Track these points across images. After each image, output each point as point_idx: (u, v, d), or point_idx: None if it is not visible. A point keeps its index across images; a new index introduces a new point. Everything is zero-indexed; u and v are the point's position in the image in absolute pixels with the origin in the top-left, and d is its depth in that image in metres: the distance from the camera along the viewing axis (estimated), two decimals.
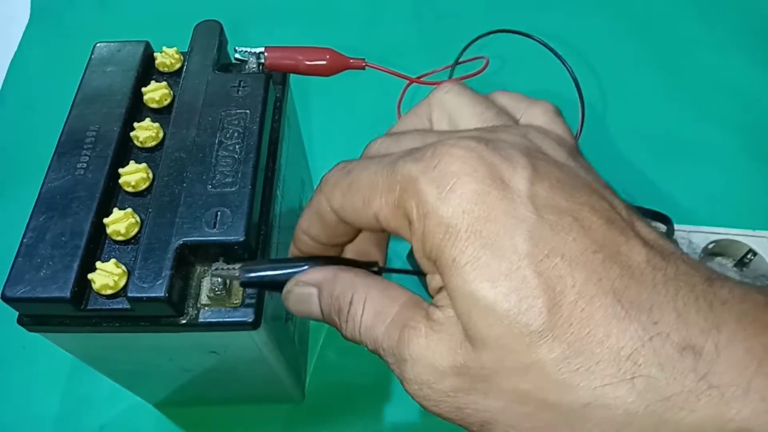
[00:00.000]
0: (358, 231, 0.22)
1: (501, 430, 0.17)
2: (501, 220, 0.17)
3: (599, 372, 0.15)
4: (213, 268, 0.23)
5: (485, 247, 0.16)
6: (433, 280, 0.18)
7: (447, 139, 0.19)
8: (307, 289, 0.21)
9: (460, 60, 0.46)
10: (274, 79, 0.31)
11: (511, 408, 0.16)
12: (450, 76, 0.46)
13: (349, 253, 0.24)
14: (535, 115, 0.22)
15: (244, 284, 0.23)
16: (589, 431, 0.16)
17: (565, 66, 0.42)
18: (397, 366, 0.18)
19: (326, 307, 0.20)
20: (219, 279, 0.24)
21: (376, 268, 0.22)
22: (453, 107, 0.22)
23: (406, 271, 0.25)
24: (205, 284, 0.25)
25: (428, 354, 0.17)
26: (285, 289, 0.22)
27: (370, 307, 0.19)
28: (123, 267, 0.24)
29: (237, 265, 0.23)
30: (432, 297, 0.19)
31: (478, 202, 0.17)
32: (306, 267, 0.21)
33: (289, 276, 0.21)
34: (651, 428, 0.15)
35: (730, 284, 0.16)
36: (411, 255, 0.39)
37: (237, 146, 0.26)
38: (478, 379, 0.17)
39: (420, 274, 0.20)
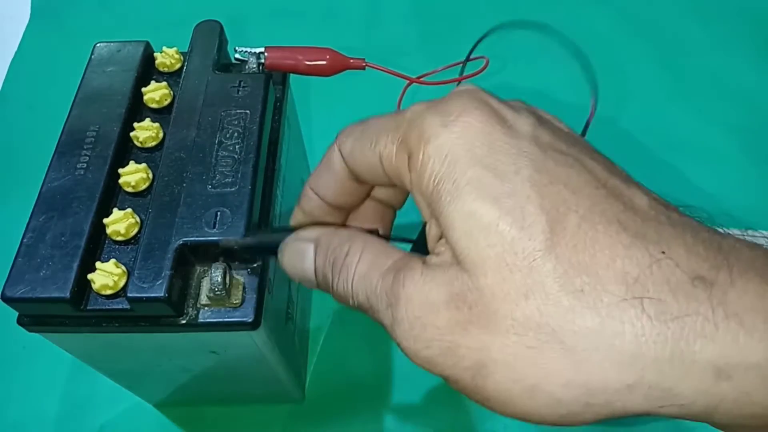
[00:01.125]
0: (364, 192, 0.22)
1: (497, 374, 0.16)
2: (504, 149, 0.16)
3: (605, 293, 0.14)
4: (223, 266, 0.24)
5: (487, 169, 0.16)
6: (432, 228, 0.18)
7: None
8: (304, 244, 0.21)
9: (460, 60, 0.46)
10: (274, 79, 0.31)
11: (510, 342, 0.15)
12: (461, 73, 0.46)
13: (353, 225, 0.24)
14: None
15: (243, 246, 0.23)
16: (597, 365, 0.15)
17: (580, 59, 0.42)
18: (389, 309, 0.17)
19: (321, 261, 0.20)
20: (219, 279, 0.24)
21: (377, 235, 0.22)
22: None
23: (408, 240, 0.24)
24: (205, 284, 0.25)
25: (424, 289, 0.17)
26: (281, 244, 0.21)
27: (366, 257, 0.19)
28: (123, 267, 0.24)
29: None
30: (430, 250, 0.18)
31: (482, 133, 0.17)
32: None
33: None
34: (665, 361, 0.14)
35: (735, 237, 0.16)
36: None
37: (237, 146, 0.26)
38: (475, 308, 0.16)
39: (421, 244, 0.20)
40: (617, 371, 0.14)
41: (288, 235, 0.22)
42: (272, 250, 0.22)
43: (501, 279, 0.15)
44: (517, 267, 0.15)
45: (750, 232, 0.42)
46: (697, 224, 0.16)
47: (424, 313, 0.16)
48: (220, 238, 0.23)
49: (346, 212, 0.23)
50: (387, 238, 0.24)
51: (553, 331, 0.15)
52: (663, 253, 0.15)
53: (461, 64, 0.46)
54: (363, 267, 0.19)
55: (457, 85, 0.43)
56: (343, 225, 0.24)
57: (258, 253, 0.24)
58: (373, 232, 0.22)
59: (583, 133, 0.41)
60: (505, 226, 0.15)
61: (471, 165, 0.16)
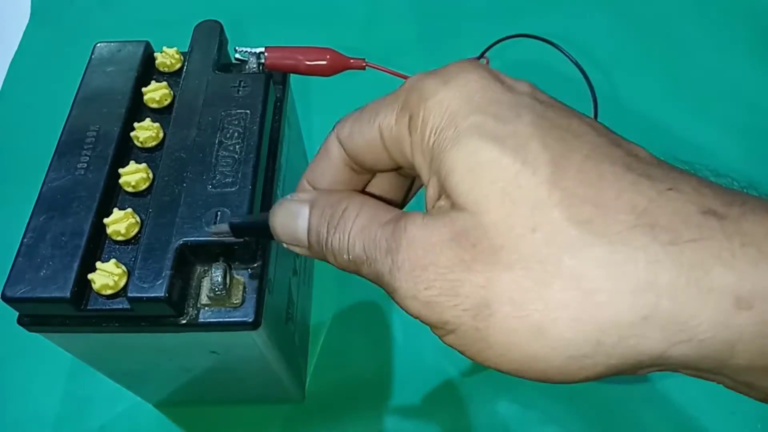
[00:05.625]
0: (361, 183, 0.22)
1: (501, 312, 0.15)
2: (505, 101, 0.16)
3: (614, 221, 0.14)
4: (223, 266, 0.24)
5: (487, 115, 0.16)
6: (429, 189, 0.18)
7: None
8: (298, 204, 0.20)
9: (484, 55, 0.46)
10: (274, 79, 0.31)
11: (516, 276, 0.15)
12: None
13: None
14: None
15: (233, 227, 0.22)
16: (608, 296, 0.14)
17: (580, 70, 0.42)
18: (388, 256, 0.17)
19: (316, 219, 0.19)
20: (219, 279, 0.24)
21: None
22: None
23: None
24: (205, 284, 0.25)
25: (425, 231, 0.16)
26: (274, 206, 0.21)
27: (366, 211, 0.18)
28: (123, 267, 0.24)
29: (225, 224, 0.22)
30: (428, 210, 0.18)
31: (482, 86, 0.17)
32: None
33: None
34: (680, 289, 0.13)
35: (739, 190, 0.15)
36: None
37: (237, 146, 0.26)
38: (479, 245, 0.15)
39: None
40: (630, 301, 0.14)
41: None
42: (264, 229, 0.21)
43: (505, 214, 0.15)
44: (522, 200, 0.15)
45: None
46: (702, 177, 0.16)
47: (426, 252, 0.16)
48: (211, 235, 0.23)
49: None
50: None
51: (560, 261, 0.14)
52: (670, 189, 0.14)
53: None
54: (362, 220, 0.18)
55: None
56: None
57: (251, 233, 0.24)
58: None
59: None
60: (508, 160, 0.15)
61: (472, 112, 0.16)
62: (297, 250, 0.20)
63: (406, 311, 0.17)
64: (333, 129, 0.21)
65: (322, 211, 0.19)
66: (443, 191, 0.17)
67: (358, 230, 0.18)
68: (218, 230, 0.23)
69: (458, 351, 0.16)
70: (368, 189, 0.23)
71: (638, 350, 0.14)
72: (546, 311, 0.14)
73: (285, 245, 0.20)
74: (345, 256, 0.18)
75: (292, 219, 0.20)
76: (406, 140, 0.18)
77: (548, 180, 0.15)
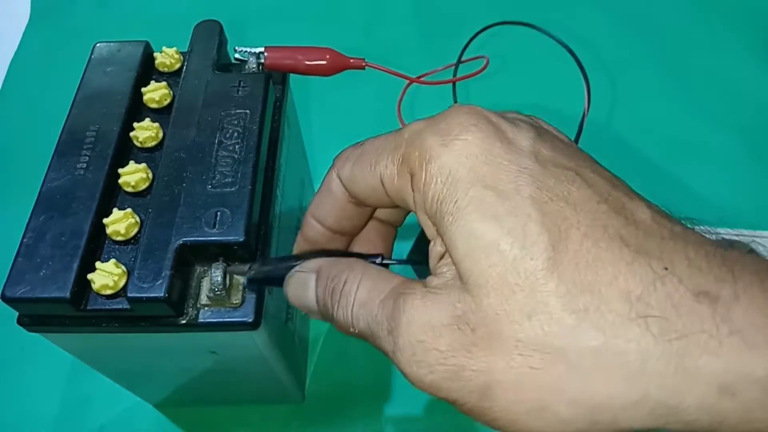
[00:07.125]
0: (366, 216, 0.22)
1: (503, 395, 0.16)
2: (504, 166, 0.16)
3: (609, 311, 0.15)
4: (223, 266, 0.24)
5: (488, 188, 0.16)
6: (436, 247, 0.18)
7: None
8: (306, 275, 0.21)
9: (461, 60, 0.46)
10: (274, 79, 0.31)
11: (515, 363, 0.15)
12: (455, 74, 0.46)
13: (356, 249, 0.24)
14: None
15: (251, 280, 0.23)
16: (602, 382, 0.15)
17: (573, 55, 0.42)
18: (390, 336, 0.17)
19: (321, 290, 0.20)
20: (219, 279, 0.24)
21: (380, 260, 0.22)
22: None
23: (410, 262, 0.25)
24: (205, 284, 0.25)
25: (425, 312, 0.17)
26: (287, 277, 0.22)
27: (365, 284, 0.19)
28: (123, 267, 0.24)
29: (246, 266, 0.24)
30: (432, 272, 0.18)
31: (482, 149, 0.17)
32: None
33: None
34: (669, 377, 0.14)
35: (740, 250, 0.16)
36: (411, 255, 0.39)
37: (237, 146, 0.26)
38: (479, 330, 0.16)
39: (423, 264, 0.20)
40: (622, 388, 0.15)
41: (292, 266, 0.22)
42: (278, 281, 0.22)
43: (503, 299, 0.15)
44: (520, 287, 0.15)
45: (758, 232, 0.42)
46: (700, 237, 0.16)
47: (426, 337, 0.16)
48: (230, 271, 0.24)
49: (349, 237, 0.24)
50: (389, 258, 0.24)
51: (557, 350, 0.15)
52: (666, 269, 0.15)
53: (461, 64, 0.46)
54: (362, 294, 0.19)
55: (454, 85, 0.43)
56: (346, 250, 0.24)
57: (265, 284, 0.25)
58: (377, 257, 0.22)
59: (578, 135, 0.41)
60: (506, 245, 0.15)
61: (472, 184, 0.16)
62: (313, 317, 0.21)
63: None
64: (333, 166, 0.22)
65: (325, 284, 0.20)
66: (448, 255, 0.17)
67: (359, 306, 0.19)
68: (234, 269, 0.24)
69: (472, 419, 0.17)
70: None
71: (630, 427, 0.15)
72: (545, 395, 0.15)
73: (303, 313, 0.21)
74: (351, 329, 0.19)
75: (303, 290, 0.21)
76: (409, 195, 0.19)
77: (546, 266, 0.15)
